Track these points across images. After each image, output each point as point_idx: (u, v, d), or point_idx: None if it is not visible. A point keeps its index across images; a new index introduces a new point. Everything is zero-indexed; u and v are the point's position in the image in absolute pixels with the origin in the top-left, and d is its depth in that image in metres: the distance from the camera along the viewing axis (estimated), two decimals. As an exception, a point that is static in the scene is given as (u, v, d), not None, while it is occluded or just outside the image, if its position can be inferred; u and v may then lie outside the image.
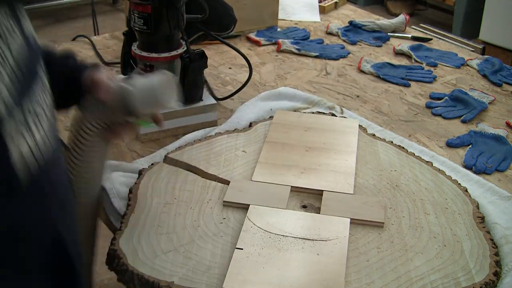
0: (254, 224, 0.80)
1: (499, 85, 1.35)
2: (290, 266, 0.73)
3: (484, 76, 1.40)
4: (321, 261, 0.74)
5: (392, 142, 1.05)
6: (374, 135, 1.07)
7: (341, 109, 1.17)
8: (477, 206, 0.89)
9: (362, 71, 1.39)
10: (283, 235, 0.78)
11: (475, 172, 1.00)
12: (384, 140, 1.05)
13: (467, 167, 1.02)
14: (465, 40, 1.85)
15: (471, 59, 1.48)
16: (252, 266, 0.72)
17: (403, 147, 1.03)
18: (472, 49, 1.71)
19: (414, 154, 1.01)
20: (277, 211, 0.83)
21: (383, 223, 0.82)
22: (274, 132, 1.04)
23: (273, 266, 0.73)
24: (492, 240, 0.82)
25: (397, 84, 1.34)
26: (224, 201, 0.85)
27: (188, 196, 0.86)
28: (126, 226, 0.79)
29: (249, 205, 0.84)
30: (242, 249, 0.75)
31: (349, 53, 1.50)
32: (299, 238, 0.78)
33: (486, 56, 1.50)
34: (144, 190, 0.87)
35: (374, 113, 1.21)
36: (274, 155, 0.97)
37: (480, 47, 1.86)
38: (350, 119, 1.12)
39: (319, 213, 0.84)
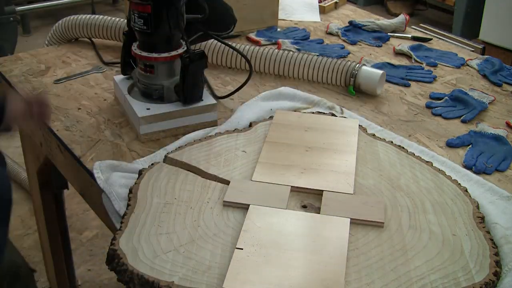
0: (254, 224, 0.80)
1: (499, 85, 1.36)
2: (290, 266, 0.73)
3: (484, 76, 1.40)
4: (321, 261, 0.74)
5: (392, 142, 1.05)
6: (374, 135, 1.07)
7: (341, 109, 1.17)
8: (477, 206, 0.89)
9: (362, 71, 1.39)
10: (283, 235, 0.78)
11: (475, 172, 1.00)
12: (384, 140, 1.05)
13: (467, 167, 1.02)
14: (465, 40, 1.85)
15: (471, 59, 1.48)
16: (252, 266, 0.72)
17: (403, 147, 1.03)
18: (472, 49, 1.71)
19: (414, 154, 1.01)
20: (277, 211, 0.83)
21: (383, 223, 0.82)
22: (274, 132, 1.04)
23: (273, 266, 0.73)
24: (492, 240, 0.82)
25: (397, 84, 1.34)
26: (224, 201, 0.85)
27: (188, 196, 0.86)
28: (126, 226, 0.79)
29: (249, 205, 0.84)
30: (242, 249, 0.75)
31: (349, 53, 1.49)
32: (299, 238, 0.78)
33: (486, 56, 1.50)
34: (144, 190, 0.87)
35: (374, 113, 1.21)
36: (274, 155, 0.97)
37: (480, 47, 1.86)
38: (350, 119, 1.12)
39: (319, 213, 0.84)
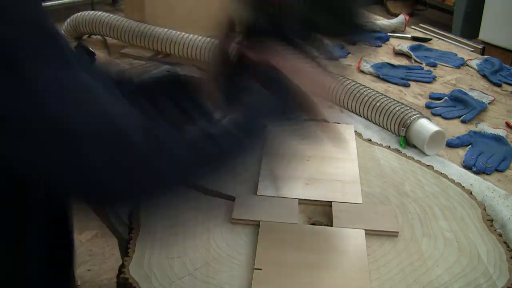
0: (269, 242, 0.77)
1: (499, 85, 1.35)
2: (315, 284, 0.70)
3: (484, 76, 1.39)
4: (345, 277, 0.71)
5: (389, 147, 1.03)
6: (370, 140, 1.05)
7: (340, 109, 1.16)
8: (484, 209, 0.87)
9: (361, 71, 1.37)
10: (301, 252, 0.75)
11: (475, 172, 1.00)
12: (381, 145, 1.03)
13: (467, 167, 1.02)
14: (465, 40, 1.83)
15: (470, 59, 1.47)
16: (275, 286, 0.70)
17: (400, 151, 1.02)
18: (472, 49, 1.70)
19: (414, 158, 1.00)
20: (290, 226, 0.80)
21: (398, 232, 0.80)
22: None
23: (297, 285, 0.70)
24: (506, 243, 0.80)
25: (396, 84, 1.33)
26: (232, 219, 0.81)
27: (193, 215, 0.82)
28: (133, 252, 0.75)
29: (259, 221, 0.81)
30: (261, 269, 0.72)
31: (348, 53, 1.47)
32: (318, 253, 0.75)
33: (485, 56, 1.49)
34: (145, 211, 0.82)
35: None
36: (275, 167, 0.94)
37: (480, 47, 1.84)
38: (344, 125, 1.09)
39: (331, 225, 0.81)
